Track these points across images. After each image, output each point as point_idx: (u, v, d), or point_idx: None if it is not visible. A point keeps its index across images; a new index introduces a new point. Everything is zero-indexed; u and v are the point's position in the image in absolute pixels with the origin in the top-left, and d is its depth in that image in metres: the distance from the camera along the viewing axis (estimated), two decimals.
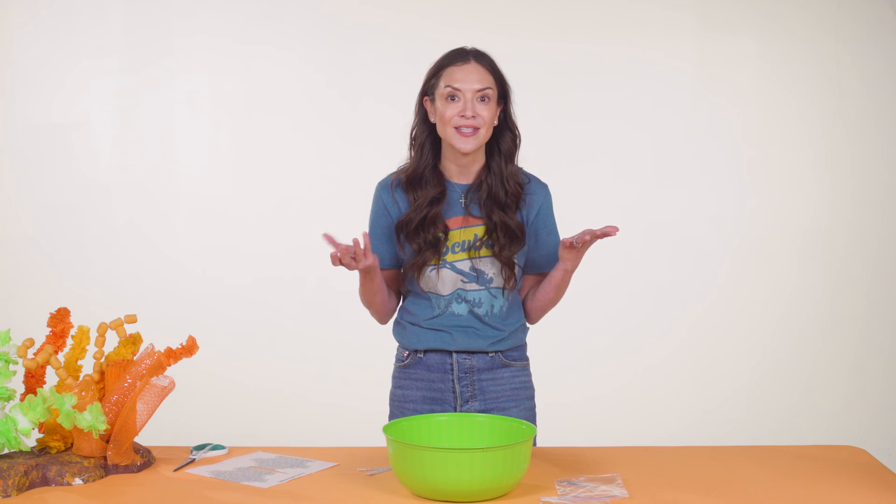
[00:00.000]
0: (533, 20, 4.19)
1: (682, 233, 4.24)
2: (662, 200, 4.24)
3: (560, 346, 3.77)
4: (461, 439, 2.02)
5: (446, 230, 2.24)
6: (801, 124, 4.22)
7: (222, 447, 2.17)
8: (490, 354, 2.29)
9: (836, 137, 4.21)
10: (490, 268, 2.25)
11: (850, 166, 4.21)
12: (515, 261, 2.26)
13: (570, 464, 2.06)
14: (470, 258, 2.24)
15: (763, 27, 4.20)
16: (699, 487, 1.91)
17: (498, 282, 2.26)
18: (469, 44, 2.27)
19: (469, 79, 2.17)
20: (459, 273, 2.25)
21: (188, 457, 2.12)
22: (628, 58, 4.18)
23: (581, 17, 4.19)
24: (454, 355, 2.28)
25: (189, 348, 2.08)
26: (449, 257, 2.24)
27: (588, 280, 4.12)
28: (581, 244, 2.13)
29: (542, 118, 4.13)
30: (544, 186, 2.33)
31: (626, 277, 4.24)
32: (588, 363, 4.19)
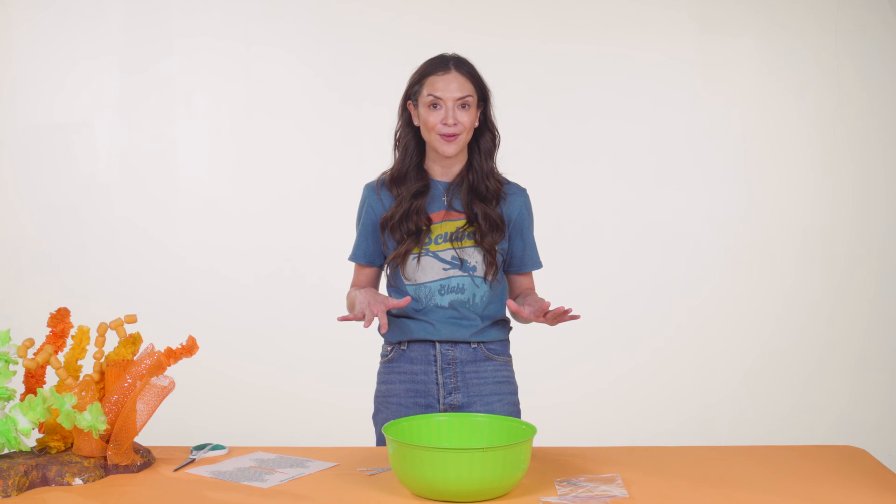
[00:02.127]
0: (533, 20, 4.19)
1: (682, 232, 4.24)
2: (662, 200, 4.24)
3: (558, 345, 3.77)
4: (461, 439, 2.02)
5: (429, 222, 2.31)
6: (801, 124, 4.22)
7: (222, 447, 2.17)
8: (473, 346, 2.33)
9: (836, 137, 4.21)
10: (472, 257, 2.31)
11: (850, 166, 4.21)
12: (498, 249, 2.32)
13: (570, 464, 2.06)
14: (453, 248, 2.30)
15: (763, 27, 4.20)
16: (699, 487, 1.91)
17: (481, 271, 2.31)
18: (461, 46, 2.37)
19: (450, 88, 2.27)
20: (442, 262, 2.30)
21: (188, 457, 2.12)
22: (628, 58, 4.19)
23: (581, 17, 4.19)
24: (437, 345, 2.32)
25: (189, 348, 2.08)
26: (432, 247, 2.31)
27: (587, 279, 4.15)
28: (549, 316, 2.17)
29: (542, 117, 4.14)
30: (523, 190, 2.42)
31: (626, 277, 4.24)
32: (587, 363, 4.20)
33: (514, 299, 2.41)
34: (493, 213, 2.31)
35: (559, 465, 2.05)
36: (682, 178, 4.24)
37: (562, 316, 2.13)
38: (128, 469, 2.02)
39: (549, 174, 3.98)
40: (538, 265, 2.44)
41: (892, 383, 4.23)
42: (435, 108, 2.27)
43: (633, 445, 2.24)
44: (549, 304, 2.15)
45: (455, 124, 2.26)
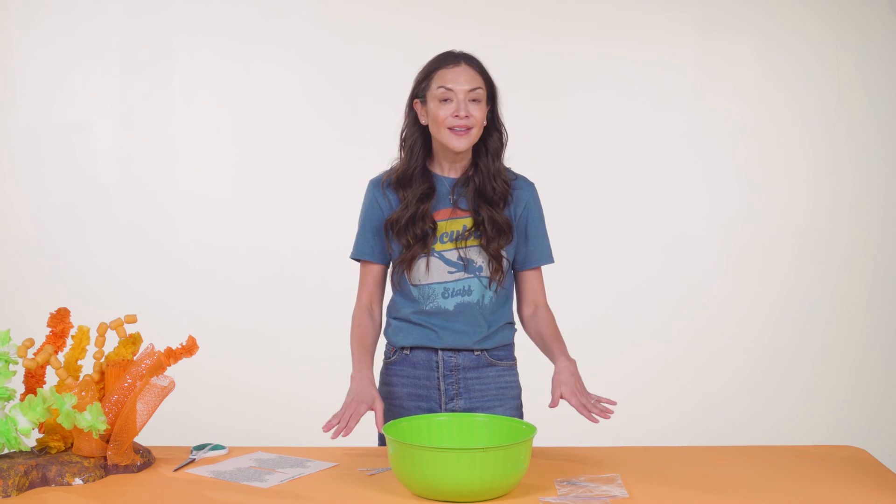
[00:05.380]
0: (533, 20, 4.19)
1: (682, 233, 4.24)
2: (662, 200, 4.24)
3: None
4: (461, 439, 2.03)
5: (434, 225, 2.28)
6: (801, 124, 4.22)
7: (222, 447, 2.17)
8: (476, 353, 2.31)
9: (836, 137, 4.21)
10: (478, 257, 2.29)
11: (850, 166, 4.21)
12: (504, 254, 2.29)
13: (570, 464, 2.06)
14: (457, 248, 2.28)
15: (763, 27, 4.20)
16: (699, 487, 1.91)
17: (487, 272, 2.29)
18: (461, 46, 2.32)
19: (461, 80, 2.23)
20: (447, 263, 2.28)
21: (188, 457, 2.12)
22: (628, 58, 4.19)
23: (581, 17, 4.19)
24: (440, 353, 2.31)
25: (189, 348, 2.08)
26: (437, 247, 2.28)
27: (587, 279, 4.15)
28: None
29: (542, 118, 4.14)
30: (531, 184, 2.38)
31: (626, 277, 4.24)
32: (587, 363, 4.15)
33: (531, 331, 2.36)
34: (500, 218, 2.28)
35: (559, 465, 2.05)
36: (681, 178, 4.24)
37: (593, 409, 2.17)
38: (128, 469, 2.02)
39: (548, 175, 3.96)
40: (547, 260, 2.37)
41: (891, 383, 4.22)
42: (446, 101, 2.22)
43: (633, 445, 2.24)
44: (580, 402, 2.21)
45: (467, 117, 2.21)
